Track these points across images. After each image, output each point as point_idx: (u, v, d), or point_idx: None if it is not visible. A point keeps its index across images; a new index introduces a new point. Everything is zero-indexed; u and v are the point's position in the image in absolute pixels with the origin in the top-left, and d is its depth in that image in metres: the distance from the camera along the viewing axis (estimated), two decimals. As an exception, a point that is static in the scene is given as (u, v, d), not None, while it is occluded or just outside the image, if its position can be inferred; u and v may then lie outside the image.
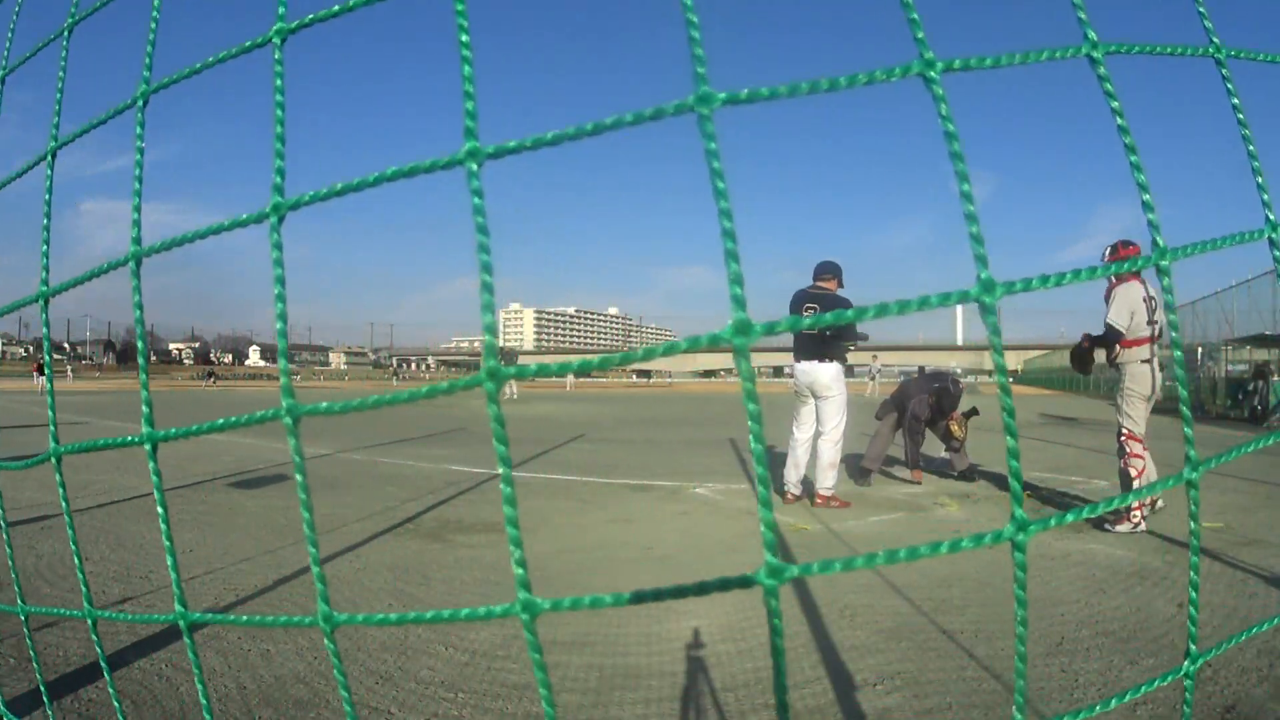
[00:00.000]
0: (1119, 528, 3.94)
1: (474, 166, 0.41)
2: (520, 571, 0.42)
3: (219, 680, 2.10)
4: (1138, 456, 4.02)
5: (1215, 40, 0.54)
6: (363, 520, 4.33)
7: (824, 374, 4.75)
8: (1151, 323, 4.06)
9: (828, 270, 4.93)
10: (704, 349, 0.43)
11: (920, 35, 0.42)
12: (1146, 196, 0.48)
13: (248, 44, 0.53)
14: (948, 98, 0.42)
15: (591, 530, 4.16)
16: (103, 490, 5.18)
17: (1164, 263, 0.48)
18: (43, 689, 0.79)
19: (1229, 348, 17.18)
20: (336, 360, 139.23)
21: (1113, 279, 4.19)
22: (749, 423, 0.40)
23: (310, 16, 0.49)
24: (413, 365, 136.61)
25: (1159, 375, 4.13)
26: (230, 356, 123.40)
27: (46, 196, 0.67)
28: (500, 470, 0.41)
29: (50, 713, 0.85)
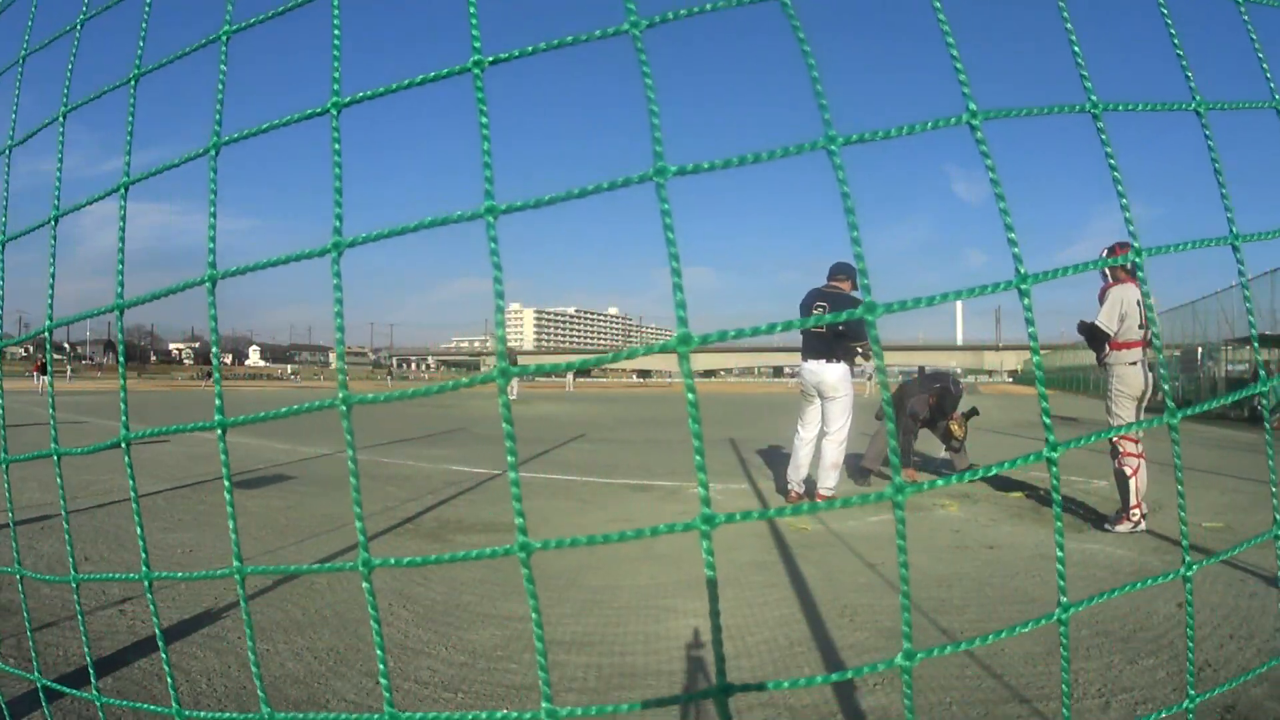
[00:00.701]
0: (1119, 528, 3.94)
1: (491, 219, 0.53)
2: (520, 520, 0.58)
3: (218, 680, 2.10)
4: (1131, 455, 4.02)
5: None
6: (363, 520, 4.33)
7: (831, 374, 4.74)
8: (1144, 326, 4.05)
9: (841, 271, 4.95)
10: (656, 354, 0.54)
11: (826, 113, 0.51)
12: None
13: (308, 112, 0.62)
14: (845, 168, 0.52)
15: (592, 530, 4.15)
16: (103, 490, 5.18)
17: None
18: (41, 689, 0.79)
19: (1229, 348, 17.19)
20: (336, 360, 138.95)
21: (1107, 280, 4.19)
22: (688, 409, 0.52)
23: (362, 94, 0.61)
24: (412, 365, 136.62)
25: (1149, 376, 4.12)
26: (230, 357, 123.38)
27: (120, 225, 0.75)
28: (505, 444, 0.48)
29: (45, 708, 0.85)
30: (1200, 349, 18.64)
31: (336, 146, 0.60)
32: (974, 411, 6.19)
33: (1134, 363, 4.07)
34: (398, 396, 0.60)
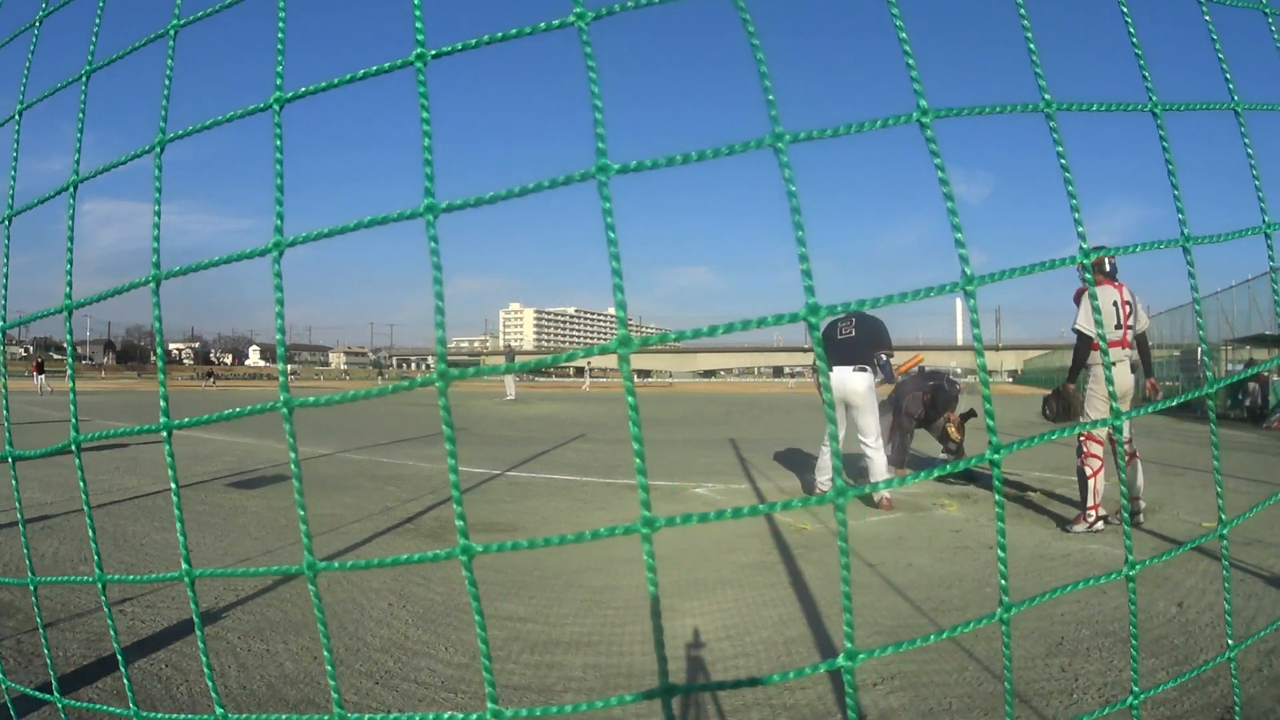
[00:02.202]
0: (1076, 528, 3.97)
1: (431, 218, 0.54)
2: (461, 524, 0.60)
3: (217, 680, 2.09)
4: (1094, 456, 4.02)
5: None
6: (362, 520, 4.33)
7: (859, 383, 4.79)
8: (1123, 327, 4.03)
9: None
10: (597, 355, 0.54)
11: (773, 110, 0.51)
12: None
13: (251, 108, 0.62)
14: (793, 165, 0.52)
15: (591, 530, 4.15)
16: (103, 490, 5.18)
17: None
18: (54, 683, 0.79)
19: (1229, 348, 17.18)
20: (336, 360, 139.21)
21: (1083, 284, 4.18)
22: (629, 412, 0.54)
23: (305, 89, 0.60)
24: (412, 365, 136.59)
25: (1129, 377, 4.10)
26: (230, 357, 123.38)
27: (69, 223, 0.72)
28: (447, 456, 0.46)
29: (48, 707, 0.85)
30: (1200, 349, 18.61)
31: (278, 143, 0.60)
32: (971, 413, 6.18)
33: (1112, 363, 4.06)
34: (338, 399, 0.60)
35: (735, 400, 27.02)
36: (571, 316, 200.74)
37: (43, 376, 26.76)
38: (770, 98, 0.51)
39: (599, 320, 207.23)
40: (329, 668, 0.59)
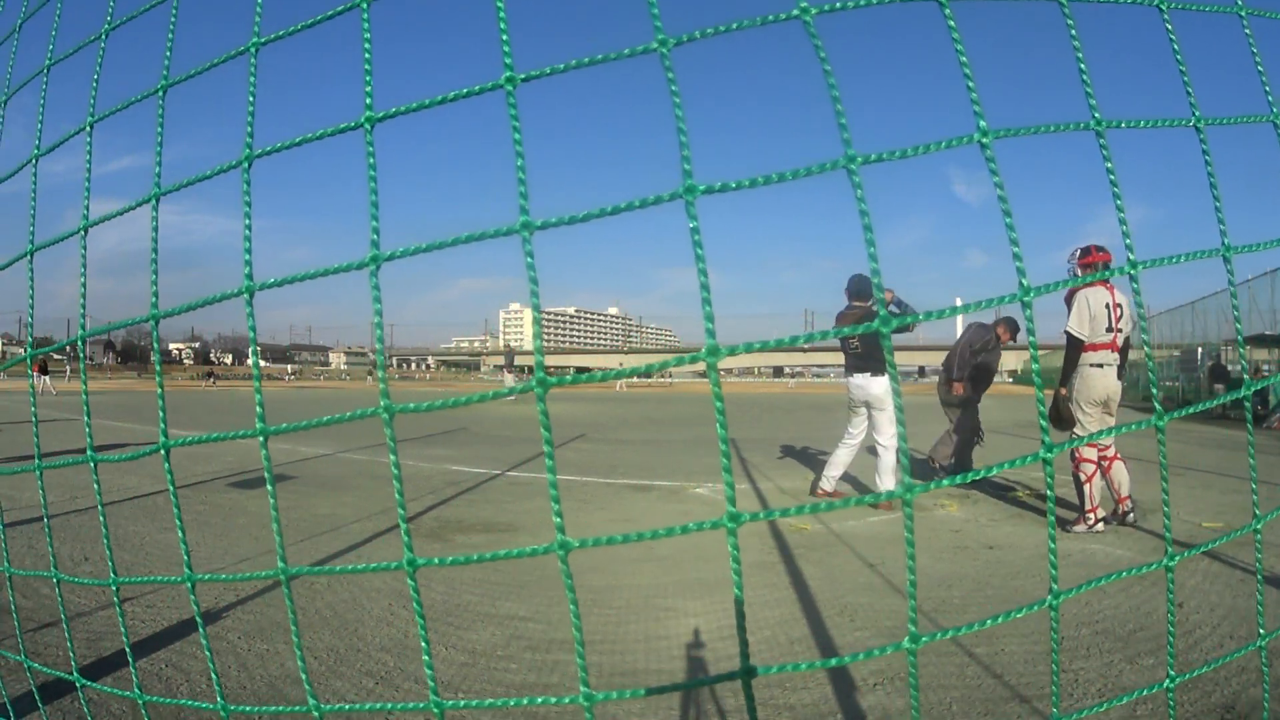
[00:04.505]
0: (1076, 529, 3.97)
1: (527, 235, 0.56)
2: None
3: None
4: (1087, 461, 4.02)
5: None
6: (362, 520, 4.33)
7: (877, 387, 4.94)
8: (1114, 330, 4.01)
9: (856, 292, 5.14)
10: (688, 363, 0.58)
11: (845, 133, 0.54)
12: (1009, 221, 0.54)
13: (342, 126, 0.64)
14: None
15: (592, 530, 4.15)
16: (103, 490, 5.18)
17: (1027, 299, 0.57)
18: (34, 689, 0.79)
19: (1229, 348, 17.18)
20: (337, 360, 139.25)
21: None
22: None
23: (395, 109, 0.62)
24: (413, 365, 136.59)
25: (1116, 381, 4.08)
26: (230, 357, 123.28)
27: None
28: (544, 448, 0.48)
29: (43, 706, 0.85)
30: (1200, 349, 18.63)
31: (371, 161, 0.61)
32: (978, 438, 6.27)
33: (1098, 365, 4.03)
34: (439, 406, 0.62)
35: (735, 400, 27.02)
36: (572, 316, 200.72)
37: (47, 377, 26.77)
38: (842, 121, 0.53)
39: (599, 320, 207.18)
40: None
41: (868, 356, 4.99)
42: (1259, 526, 0.68)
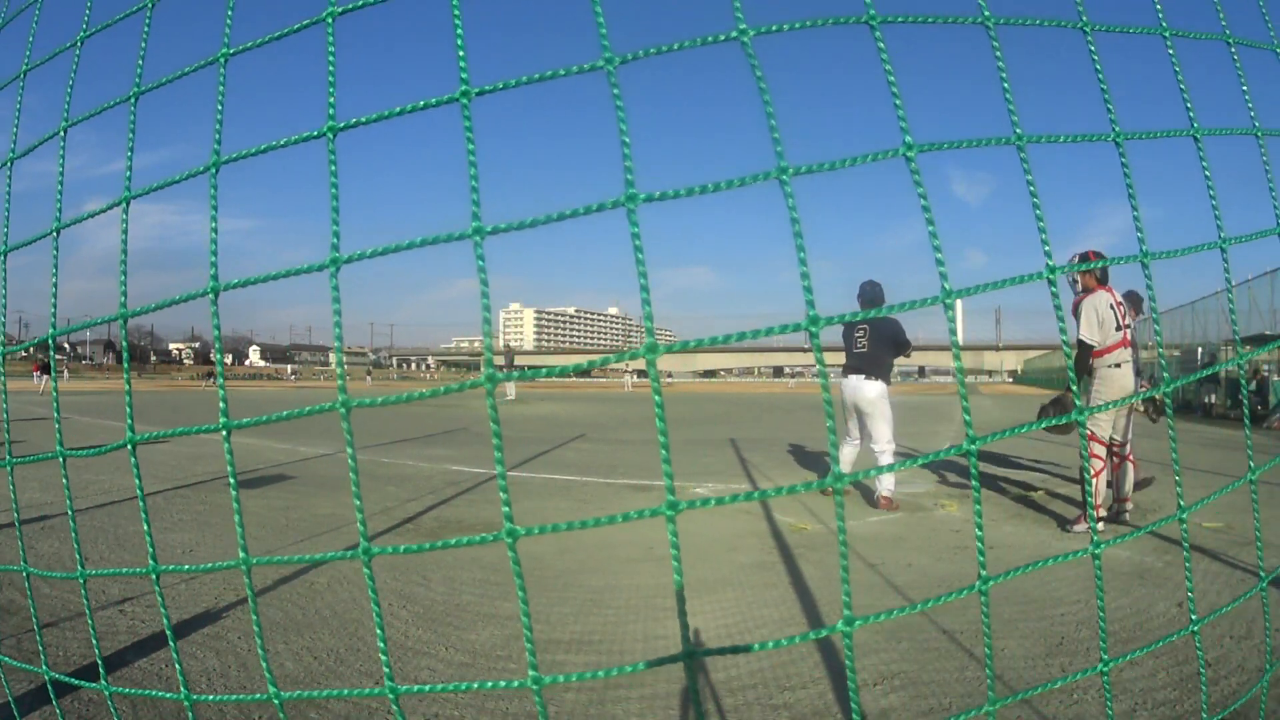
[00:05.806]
0: (1076, 528, 4.00)
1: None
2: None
3: (218, 680, 2.10)
4: (1096, 457, 4.03)
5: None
6: (363, 520, 4.33)
7: (870, 391, 4.91)
8: (1123, 328, 4.05)
9: (866, 298, 5.13)
10: (628, 359, 0.59)
11: (778, 146, 0.56)
12: (931, 228, 0.59)
13: (304, 135, 0.66)
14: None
15: (592, 530, 4.15)
16: (102, 490, 5.18)
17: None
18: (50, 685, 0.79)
19: (1229, 347, 17.18)
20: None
21: (1078, 293, 4.19)
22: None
23: (356, 119, 0.64)
24: (412, 365, 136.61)
25: (1133, 379, 4.11)
26: (230, 357, 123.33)
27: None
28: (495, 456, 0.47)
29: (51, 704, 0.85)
30: (1200, 349, 18.63)
31: (333, 169, 0.63)
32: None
33: (1116, 364, 4.06)
34: (394, 400, 0.67)
35: (735, 400, 27.03)
36: (571, 316, 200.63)
37: (47, 377, 26.76)
38: (775, 135, 0.56)
39: (599, 320, 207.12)
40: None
41: (872, 358, 4.94)
42: (1185, 515, 0.71)
